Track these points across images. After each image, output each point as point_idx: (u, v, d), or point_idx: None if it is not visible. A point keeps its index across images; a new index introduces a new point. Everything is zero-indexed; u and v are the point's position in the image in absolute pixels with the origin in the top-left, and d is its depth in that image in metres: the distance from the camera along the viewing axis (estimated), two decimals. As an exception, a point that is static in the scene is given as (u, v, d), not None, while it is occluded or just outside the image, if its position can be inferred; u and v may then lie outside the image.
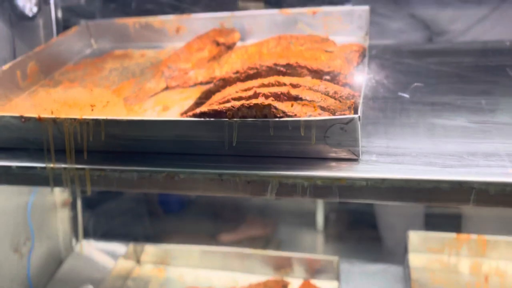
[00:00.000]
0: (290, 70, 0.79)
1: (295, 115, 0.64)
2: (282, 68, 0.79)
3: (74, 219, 1.38)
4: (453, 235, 1.23)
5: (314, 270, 1.23)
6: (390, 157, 0.65)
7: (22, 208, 1.21)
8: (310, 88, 0.70)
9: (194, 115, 0.68)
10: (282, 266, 1.25)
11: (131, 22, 1.16)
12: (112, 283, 1.23)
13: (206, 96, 0.81)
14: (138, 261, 1.33)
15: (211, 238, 1.57)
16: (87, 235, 1.41)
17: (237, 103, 0.65)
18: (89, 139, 0.70)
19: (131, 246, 1.32)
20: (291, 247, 1.51)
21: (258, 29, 1.09)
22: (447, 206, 1.32)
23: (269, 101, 0.64)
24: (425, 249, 1.24)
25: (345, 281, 1.21)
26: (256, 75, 0.80)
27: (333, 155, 0.65)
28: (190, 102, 0.83)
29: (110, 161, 0.70)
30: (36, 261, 1.26)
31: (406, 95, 0.84)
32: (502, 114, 0.75)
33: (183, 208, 1.72)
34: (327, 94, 0.69)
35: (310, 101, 0.67)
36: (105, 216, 1.55)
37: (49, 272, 1.31)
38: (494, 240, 1.21)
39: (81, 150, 0.71)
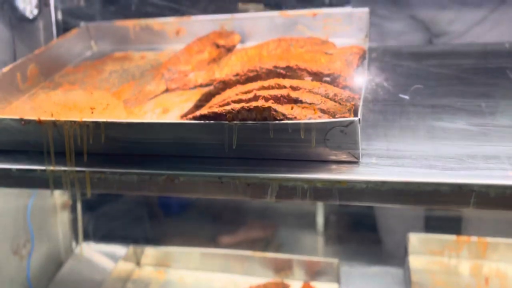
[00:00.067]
0: (290, 72, 0.79)
1: (295, 117, 0.64)
2: (282, 71, 0.79)
3: (74, 221, 1.38)
4: (453, 237, 1.23)
5: (314, 272, 1.23)
6: (390, 159, 0.65)
7: (22, 210, 1.21)
8: (310, 91, 0.70)
9: (194, 118, 0.68)
10: (282, 268, 1.25)
11: (131, 24, 1.16)
12: (112, 285, 1.23)
13: (206, 99, 0.81)
14: (138, 263, 1.33)
15: (211, 241, 1.56)
16: (87, 237, 1.41)
17: (237, 106, 0.65)
18: (89, 142, 0.70)
19: (131, 248, 1.32)
20: (291, 249, 1.51)
21: (258, 31, 1.09)
22: (447, 208, 1.32)
23: (269, 103, 0.64)
24: (425, 251, 1.24)
25: (345, 283, 1.21)
26: (256, 77, 0.80)
27: (333, 157, 0.65)
28: (190, 104, 0.83)
29: (110, 163, 0.70)
30: (36, 263, 1.25)
31: (406, 97, 0.84)
32: (502, 117, 0.75)
33: (183, 210, 1.71)
34: (327, 96, 0.69)
35: (310, 103, 0.67)
36: (105, 218, 1.55)
37: (49, 274, 1.30)
38: (494, 242, 1.21)
39: (81, 153, 0.71)
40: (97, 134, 0.70)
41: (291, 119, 0.64)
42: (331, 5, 1.22)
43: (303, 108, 0.66)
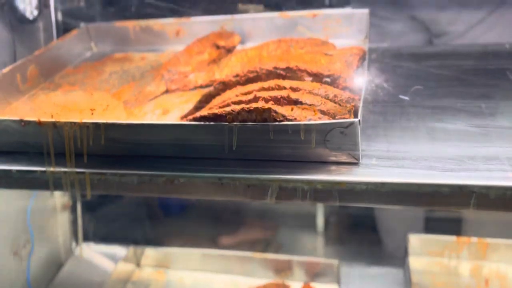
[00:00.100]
0: (290, 73, 0.79)
1: (295, 119, 0.64)
2: (282, 72, 0.79)
3: (74, 222, 1.37)
4: (453, 238, 1.23)
5: (314, 273, 1.22)
6: (390, 160, 0.65)
7: (22, 211, 1.20)
8: (310, 92, 0.70)
9: (194, 119, 0.68)
10: (282, 269, 1.25)
11: (131, 25, 1.16)
12: (112, 286, 1.23)
13: (206, 100, 0.81)
14: (138, 264, 1.33)
15: (211, 241, 1.56)
16: (87, 238, 1.41)
17: (237, 107, 0.65)
18: (89, 143, 0.70)
19: (131, 249, 1.32)
20: (291, 250, 1.51)
21: (258, 32, 1.09)
22: (447, 210, 1.32)
23: (269, 105, 0.64)
24: (425, 252, 1.24)
25: (345, 284, 1.21)
26: (256, 78, 0.80)
27: (333, 159, 0.65)
28: (190, 105, 0.83)
29: (110, 165, 0.70)
30: (36, 265, 1.25)
31: (406, 98, 0.84)
32: (502, 118, 0.75)
33: (183, 211, 1.71)
34: (327, 97, 0.69)
35: (310, 104, 0.67)
36: (105, 219, 1.55)
37: (49, 276, 1.30)
38: (494, 243, 1.21)
39: (81, 154, 0.71)
40: (97, 135, 0.70)
41: (291, 120, 0.64)
42: (331, 6, 1.22)
43: (303, 109, 0.66)
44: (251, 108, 0.64)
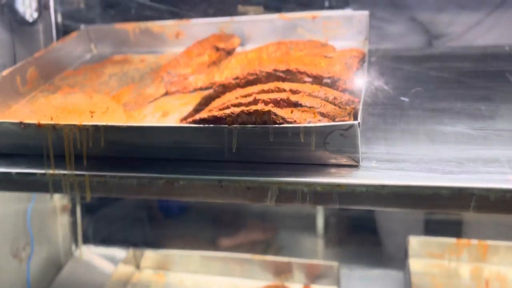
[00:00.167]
0: (290, 76, 0.79)
1: (295, 121, 0.64)
2: (281, 74, 0.79)
3: (73, 224, 1.37)
4: (453, 240, 1.23)
5: (314, 276, 1.22)
6: (390, 163, 0.65)
7: (22, 213, 1.20)
8: (309, 94, 0.70)
9: (194, 122, 0.68)
10: (282, 271, 1.25)
11: (131, 27, 1.16)
12: (111, 289, 1.23)
13: (205, 102, 0.81)
14: (138, 266, 1.33)
15: (211, 243, 1.56)
16: (86, 240, 1.41)
17: (237, 110, 0.65)
18: (89, 145, 0.70)
19: (131, 251, 1.32)
20: (291, 252, 1.50)
21: (257, 34, 1.09)
22: (447, 212, 1.32)
23: (269, 107, 0.64)
24: (425, 254, 1.24)
25: (345, 286, 1.21)
26: (256, 81, 0.80)
27: (333, 161, 0.65)
28: (190, 107, 0.83)
29: (110, 167, 0.70)
30: (35, 267, 1.25)
31: (406, 99, 0.84)
32: (502, 120, 0.75)
33: (183, 213, 1.71)
34: (326, 100, 0.69)
35: (310, 107, 0.67)
36: (105, 221, 1.55)
37: (49, 277, 1.30)
38: (494, 245, 1.21)
39: (81, 156, 0.71)
40: (96, 137, 0.70)
41: (290, 122, 0.64)
42: (330, 7, 1.22)
43: (302, 111, 0.66)
44: (251, 111, 0.64)
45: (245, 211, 1.67)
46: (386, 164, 0.65)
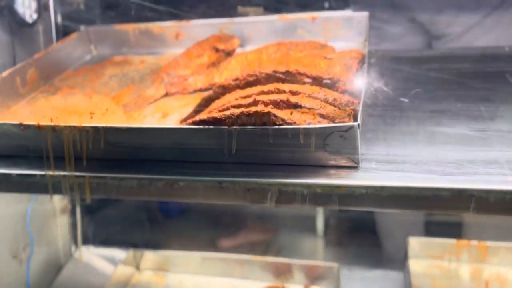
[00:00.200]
0: (290, 77, 0.79)
1: (295, 122, 0.64)
2: (281, 75, 0.79)
3: (73, 225, 1.37)
4: (453, 241, 1.23)
5: (314, 277, 1.22)
6: (390, 164, 0.65)
7: (22, 214, 1.20)
8: (309, 95, 0.70)
9: (194, 123, 0.68)
10: (282, 272, 1.25)
11: (131, 28, 1.16)
12: (111, 290, 1.23)
13: (205, 103, 0.81)
14: (137, 267, 1.33)
15: (211, 244, 1.56)
16: (86, 241, 1.41)
17: (237, 111, 0.65)
18: (89, 147, 0.70)
19: (130, 252, 1.32)
20: (291, 254, 1.50)
21: (257, 35, 1.09)
22: (447, 213, 1.32)
23: (269, 108, 0.64)
24: (425, 255, 1.24)
25: (346, 287, 1.21)
26: (256, 82, 0.80)
27: (332, 162, 0.64)
28: (190, 109, 0.83)
29: (110, 168, 0.70)
30: (35, 268, 1.25)
31: (406, 100, 0.84)
32: (502, 122, 0.75)
33: (182, 214, 1.71)
34: (326, 101, 0.69)
35: (310, 108, 0.67)
36: (105, 222, 1.55)
37: (49, 279, 1.30)
38: (494, 246, 1.21)
39: (81, 158, 0.71)
40: (96, 139, 0.70)
41: (290, 124, 0.64)
42: (330, 8, 1.22)
43: (302, 113, 0.66)
44: (251, 112, 0.64)
45: (245, 212, 1.67)
46: (386, 165, 0.65)
